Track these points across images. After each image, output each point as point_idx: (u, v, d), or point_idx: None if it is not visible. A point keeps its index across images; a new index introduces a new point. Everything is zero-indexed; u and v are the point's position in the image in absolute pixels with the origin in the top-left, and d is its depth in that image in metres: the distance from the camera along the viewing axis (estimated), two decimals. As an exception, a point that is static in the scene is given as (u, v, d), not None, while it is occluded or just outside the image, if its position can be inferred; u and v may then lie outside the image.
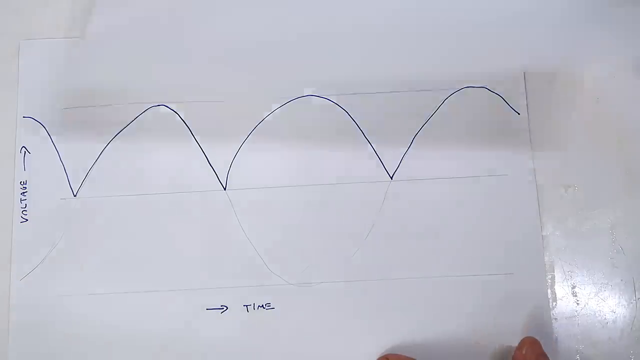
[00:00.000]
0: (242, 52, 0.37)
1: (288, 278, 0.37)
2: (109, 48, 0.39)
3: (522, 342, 0.34)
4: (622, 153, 0.38)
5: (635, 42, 0.37)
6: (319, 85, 0.38)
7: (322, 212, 0.37)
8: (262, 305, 0.37)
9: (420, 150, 0.38)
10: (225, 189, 0.38)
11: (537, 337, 0.34)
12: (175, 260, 0.37)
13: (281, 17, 0.38)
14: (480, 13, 0.37)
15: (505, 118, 0.38)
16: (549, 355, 0.34)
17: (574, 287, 0.37)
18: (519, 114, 0.38)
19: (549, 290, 0.37)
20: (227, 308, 0.37)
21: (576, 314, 0.37)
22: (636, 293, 0.37)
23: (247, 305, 0.37)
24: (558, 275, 0.37)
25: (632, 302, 0.37)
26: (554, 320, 0.36)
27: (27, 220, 0.38)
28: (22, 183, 0.39)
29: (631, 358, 0.36)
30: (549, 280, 0.37)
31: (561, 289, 0.37)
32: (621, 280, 0.37)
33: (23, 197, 0.38)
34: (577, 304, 0.37)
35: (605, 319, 0.37)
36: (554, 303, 0.37)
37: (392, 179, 0.38)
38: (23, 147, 0.39)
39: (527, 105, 0.38)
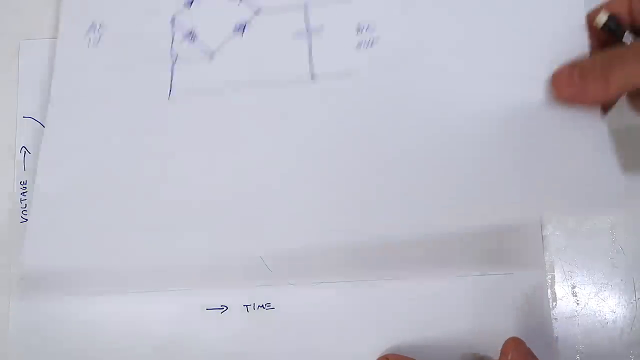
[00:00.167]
0: None
1: (288, 278, 0.37)
2: None
3: (506, 347, 0.33)
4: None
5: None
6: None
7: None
8: (262, 305, 0.37)
9: None
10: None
11: (537, 337, 0.34)
12: (176, 261, 0.37)
13: None
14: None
15: None
16: (549, 356, 0.34)
17: (574, 287, 0.37)
18: None
19: (549, 290, 0.37)
20: (227, 308, 0.37)
21: (576, 314, 0.37)
22: (636, 293, 0.37)
23: (247, 306, 0.37)
24: (558, 275, 0.37)
25: (632, 302, 0.37)
26: (554, 320, 0.36)
27: (27, 220, 0.38)
28: (22, 183, 0.39)
29: (631, 358, 0.36)
30: (549, 280, 0.37)
31: (561, 289, 0.37)
32: (621, 280, 0.37)
33: (23, 197, 0.38)
34: (577, 304, 0.37)
35: (605, 319, 0.37)
36: (554, 303, 0.37)
37: None
38: (23, 147, 0.39)
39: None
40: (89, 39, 0.39)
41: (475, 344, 0.36)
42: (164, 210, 0.35)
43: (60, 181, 0.36)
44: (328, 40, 0.37)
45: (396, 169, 0.35)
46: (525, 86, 0.35)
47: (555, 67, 0.34)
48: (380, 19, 0.37)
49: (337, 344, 0.36)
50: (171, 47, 0.39)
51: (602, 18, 0.34)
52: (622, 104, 0.35)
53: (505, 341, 0.33)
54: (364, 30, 0.37)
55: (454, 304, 0.36)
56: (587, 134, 0.33)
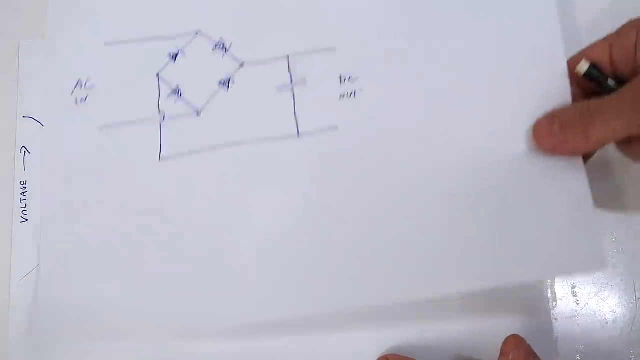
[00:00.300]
0: None
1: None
2: None
3: (507, 346, 0.33)
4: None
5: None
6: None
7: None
8: None
9: None
10: None
11: (537, 337, 0.34)
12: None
13: None
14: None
15: None
16: (549, 356, 0.34)
17: (574, 287, 0.37)
18: None
19: (549, 290, 0.37)
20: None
21: (576, 314, 0.37)
22: (636, 293, 0.37)
23: None
24: (558, 275, 0.37)
25: (632, 302, 0.37)
26: (554, 320, 0.36)
27: (27, 220, 0.38)
28: (22, 183, 0.39)
29: (631, 358, 0.36)
30: (549, 280, 0.37)
31: (561, 289, 0.37)
32: (621, 280, 0.37)
33: (23, 197, 0.38)
34: (577, 304, 0.37)
35: (605, 319, 0.37)
36: (554, 303, 0.37)
37: None
38: (23, 147, 0.39)
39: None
40: (76, 98, 0.39)
41: (475, 344, 0.36)
42: (157, 273, 0.36)
43: (54, 248, 0.36)
44: (312, 92, 0.38)
45: (382, 229, 0.35)
46: (508, 137, 0.35)
47: (537, 115, 0.35)
48: (362, 70, 0.38)
49: (337, 344, 0.36)
50: (158, 104, 0.39)
51: (583, 67, 0.34)
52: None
53: (506, 339, 0.33)
54: (347, 81, 0.38)
55: (454, 304, 0.36)
56: (570, 189, 0.34)
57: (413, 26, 0.38)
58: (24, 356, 0.36)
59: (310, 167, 0.36)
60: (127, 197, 0.37)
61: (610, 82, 0.34)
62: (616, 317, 0.37)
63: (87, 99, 0.39)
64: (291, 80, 0.38)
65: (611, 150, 0.38)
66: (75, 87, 0.39)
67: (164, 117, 0.38)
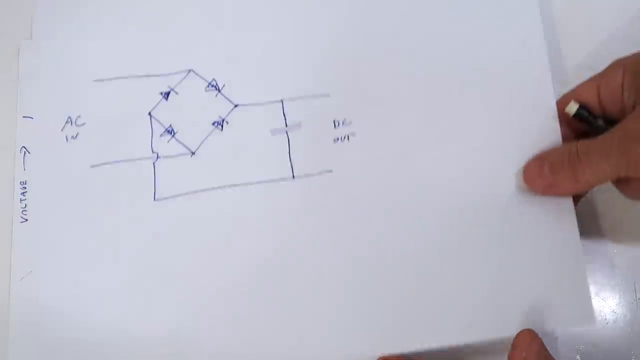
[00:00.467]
0: None
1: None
2: None
3: (520, 341, 0.32)
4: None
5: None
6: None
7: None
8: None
9: None
10: None
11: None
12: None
13: None
14: None
15: None
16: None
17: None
18: None
19: (550, 291, 0.37)
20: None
21: (576, 314, 0.37)
22: (636, 293, 0.37)
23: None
24: (558, 276, 0.37)
25: (632, 302, 0.37)
26: (554, 320, 0.36)
27: (27, 220, 0.38)
28: (22, 183, 0.38)
29: (632, 358, 0.36)
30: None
31: (561, 289, 0.37)
32: (621, 280, 0.37)
33: (23, 197, 0.38)
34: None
35: (605, 319, 0.37)
36: (555, 303, 0.37)
37: None
38: (23, 147, 0.39)
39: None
40: (66, 136, 0.39)
41: (475, 344, 0.36)
42: (150, 314, 0.36)
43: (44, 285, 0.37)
44: (306, 136, 0.38)
45: (375, 273, 0.36)
46: (499, 179, 0.37)
47: (529, 156, 0.36)
48: (356, 114, 0.38)
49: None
50: (151, 143, 0.39)
51: (572, 107, 0.35)
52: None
53: (519, 333, 0.32)
54: (341, 125, 0.38)
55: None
56: (560, 238, 0.35)
57: (405, 72, 0.39)
58: (24, 356, 0.36)
59: (305, 209, 0.37)
60: (121, 238, 0.37)
61: (600, 122, 0.35)
62: (616, 317, 0.37)
63: (78, 136, 0.39)
64: (286, 124, 0.38)
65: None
66: (66, 124, 0.39)
67: (157, 156, 0.38)
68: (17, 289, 0.37)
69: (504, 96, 0.38)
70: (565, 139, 0.36)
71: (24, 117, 0.40)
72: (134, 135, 0.39)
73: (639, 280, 0.37)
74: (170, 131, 0.39)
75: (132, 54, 0.40)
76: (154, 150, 0.38)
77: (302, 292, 0.36)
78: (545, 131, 0.37)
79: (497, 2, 0.40)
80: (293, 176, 0.38)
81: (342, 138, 0.38)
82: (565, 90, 0.37)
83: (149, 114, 0.39)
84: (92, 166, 0.38)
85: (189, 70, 0.40)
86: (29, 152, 0.39)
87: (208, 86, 0.39)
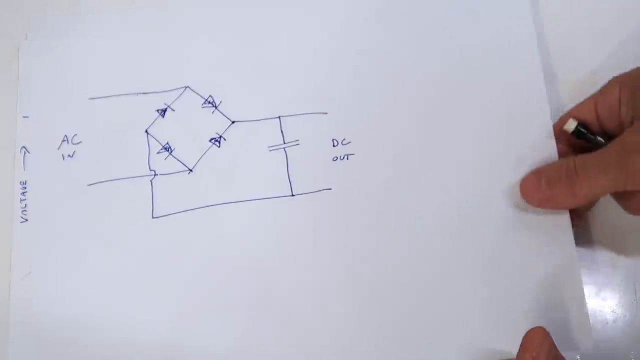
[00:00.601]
0: None
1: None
2: None
3: (530, 342, 0.31)
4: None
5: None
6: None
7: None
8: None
9: None
10: None
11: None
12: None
13: None
14: None
15: None
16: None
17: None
18: None
19: (550, 291, 0.37)
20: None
21: (576, 314, 0.37)
22: (636, 293, 0.37)
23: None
24: (558, 276, 0.37)
25: (632, 302, 0.37)
26: (554, 321, 0.36)
27: (27, 220, 0.38)
28: (22, 183, 0.38)
29: (631, 358, 0.36)
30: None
31: (561, 289, 0.37)
32: (621, 280, 0.37)
33: (23, 197, 0.38)
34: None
35: (605, 319, 0.37)
36: (555, 303, 0.37)
37: None
38: (23, 147, 0.39)
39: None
40: (62, 154, 0.39)
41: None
42: (148, 332, 0.36)
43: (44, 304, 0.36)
44: (304, 153, 0.39)
45: (374, 291, 0.36)
46: (497, 196, 0.37)
47: (524, 171, 0.37)
48: (355, 133, 0.39)
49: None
50: (148, 160, 0.39)
51: (571, 125, 0.35)
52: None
53: (529, 332, 0.31)
54: (340, 144, 0.38)
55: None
56: (558, 260, 0.36)
57: (404, 91, 0.39)
58: (24, 356, 0.36)
59: (304, 227, 0.37)
60: (119, 256, 0.37)
61: (599, 139, 0.35)
62: (616, 317, 0.37)
63: (75, 154, 0.39)
64: (283, 141, 0.39)
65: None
66: (62, 142, 0.39)
67: (154, 174, 0.38)
68: (17, 288, 0.37)
69: (500, 113, 0.38)
70: (564, 157, 0.36)
71: (24, 117, 0.40)
72: (131, 153, 0.39)
73: (639, 280, 0.37)
74: (167, 148, 0.39)
75: (128, 71, 0.40)
76: (151, 168, 0.38)
77: (301, 310, 0.36)
78: (540, 147, 0.37)
79: (494, 22, 0.40)
80: (292, 194, 0.38)
81: (342, 157, 0.38)
82: (558, 106, 0.38)
83: (146, 131, 0.39)
84: (89, 184, 0.38)
85: (186, 87, 0.40)
86: (29, 152, 0.39)
87: (205, 103, 0.39)
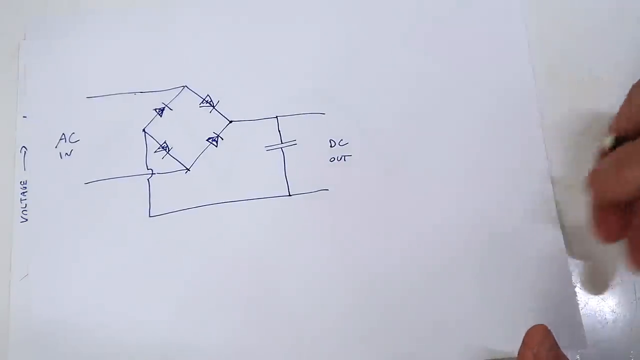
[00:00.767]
0: None
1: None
2: None
3: (531, 338, 0.31)
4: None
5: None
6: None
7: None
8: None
9: None
10: None
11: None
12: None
13: None
14: None
15: None
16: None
17: (574, 287, 0.37)
18: None
19: (549, 290, 0.37)
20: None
21: (576, 314, 0.37)
22: (636, 293, 0.37)
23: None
24: (558, 275, 0.37)
25: (632, 302, 0.37)
26: (553, 320, 0.36)
27: (27, 220, 0.38)
28: (22, 183, 0.39)
29: (631, 358, 0.36)
30: (549, 280, 0.37)
31: (561, 289, 0.37)
32: (621, 280, 0.37)
33: (23, 197, 0.38)
34: (578, 303, 0.37)
35: (605, 319, 0.37)
36: (554, 303, 0.37)
37: None
38: (23, 147, 0.39)
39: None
40: (60, 153, 0.39)
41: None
42: (144, 330, 0.36)
43: (42, 302, 0.37)
44: (302, 154, 0.39)
45: (370, 292, 0.36)
46: (491, 200, 0.37)
47: (519, 178, 0.38)
48: (352, 135, 0.39)
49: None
50: (146, 159, 0.39)
51: (606, 140, 0.33)
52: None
53: (531, 329, 0.31)
54: (337, 145, 0.38)
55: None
56: (551, 266, 0.36)
57: (401, 93, 0.39)
58: (24, 356, 0.36)
59: (301, 227, 0.37)
60: (116, 254, 0.37)
61: None
62: (616, 317, 0.37)
63: (72, 153, 0.39)
64: (281, 141, 0.39)
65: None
66: (60, 141, 0.39)
67: (152, 173, 0.38)
68: (17, 288, 0.37)
69: (494, 114, 0.39)
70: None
71: (24, 117, 0.40)
72: (128, 151, 0.39)
73: (639, 280, 0.37)
74: (164, 147, 0.39)
75: (127, 71, 0.40)
76: (149, 167, 0.38)
77: (299, 310, 0.36)
78: (530, 146, 0.38)
79: (487, 22, 0.41)
80: (289, 194, 0.38)
81: (339, 158, 0.38)
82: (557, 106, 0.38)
83: (144, 130, 0.39)
84: (87, 183, 0.38)
85: (184, 87, 0.40)
86: (28, 152, 0.39)
87: (202, 102, 0.39)
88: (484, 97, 0.39)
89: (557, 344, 0.31)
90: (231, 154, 0.39)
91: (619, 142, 0.33)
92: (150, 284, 0.37)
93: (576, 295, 0.36)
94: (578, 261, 0.37)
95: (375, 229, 0.37)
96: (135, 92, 0.40)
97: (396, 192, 0.38)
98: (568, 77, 0.40)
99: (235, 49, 0.41)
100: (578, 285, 0.37)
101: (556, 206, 0.38)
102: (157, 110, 0.40)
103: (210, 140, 0.39)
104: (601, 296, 0.37)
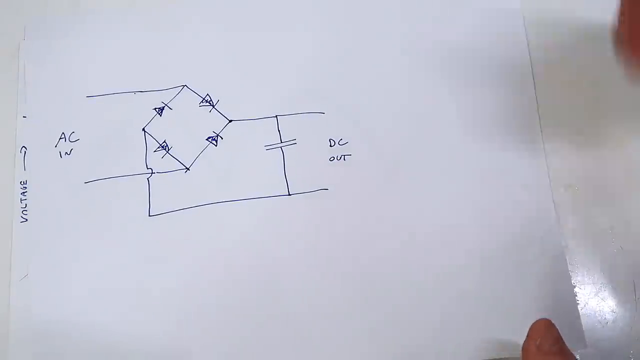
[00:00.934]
0: None
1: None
2: None
3: (535, 330, 0.31)
4: (622, 152, 0.38)
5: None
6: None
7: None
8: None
9: None
10: None
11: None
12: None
13: None
14: None
15: None
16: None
17: (574, 287, 0.37)
18: None
19: (549, 290, 0.37)
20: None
21: (576, 313, 0.37)
22: (636, 293, 0.37)
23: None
24: (558, 275, 0.37)
25: (632, 302, 0.37)
26: (554, 320, 0.36)
27: (27, 220, 0.38)
28: (22, 183, 0.39)
29: (631, 358, 0.36)
30: (549, 280, 0.37)
31: (561, 289, 0.37)
32: (621, 280, 0.37)
33: (23, 197, 0.38)
34: (577, 303, 0.37)
35: (605, 319, 0.37)
36: (554, 303, 0.37)
37: None
38: (23, 147, 0.39)
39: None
40: (60, 152, 0.39)
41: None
42: (145, 330, 0.36)
43: (43, 303, 0.36)
44: (301, 153, 0.39)
45: (370, 290, 0.36)
46: (491, 200, 0.37)
47: (518, 181, 0.38)
48: (352, 134, 0.39)
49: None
50: (145, 159, 0.39)
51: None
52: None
53: (535, 323, 0.32)
54: (337, 144, 0.38)
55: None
56: (550, 268, 0.36)
57: (401, 92, 0.39)
58: (24, 356, 0.36)
59: (301, 227, 0.37)
60: (116, 254, 0.37)
61: None
62: (616, 317, 0.36)
63: (72, 152, 0.39)
64: (281, 140, 0.39)
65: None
66: (59, 140, 0.39)
67: (151, 172, 0.38)
68: (17, 288, 0.37)
69: (494, 112, 0.39)
70: None
71: (23, 117, 0.40)
72: (128, 151, 0.39)
73: (639, 280, 0.37)
74: (164, 147, 0.39)
75: (126, 70, 0.40)
76: (149, 166, 0.39)
77: (297, 310, 0.36)
78: (528, 145, 0.38)
79: (487, 23, 0.41)
80: (289, 193, 0.38)
81: (338, 157, 0.38)
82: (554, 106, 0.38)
83: (143, 129, 0.39)
84: (86, 182, 0.38)
85: (183, 86, 0.40)
86: (29, 152, 0.39)
87: (202, 102, 0.39)
88: (484, 97, 0.39)
89: (561, 337, 0.31)
90: (231, 154, 0.39)
91: None
92: (150, 283, 0.37)
93: (576, 296, 0.36)
94: (577, 261, 0.37)
95: (375, 228, 0.37)
96: (135, 92, 0.40)
97: (396, 191, 0.38)
98: (568, 77, 0.40)
99: (235, 48, 0.41)
100: (578, 285, 0.37)
101: (556, 206, 0.38)
102: (157, 110, 0.40)
103: (209, 140, 0.39)
104: (601, 296, 0.37)
